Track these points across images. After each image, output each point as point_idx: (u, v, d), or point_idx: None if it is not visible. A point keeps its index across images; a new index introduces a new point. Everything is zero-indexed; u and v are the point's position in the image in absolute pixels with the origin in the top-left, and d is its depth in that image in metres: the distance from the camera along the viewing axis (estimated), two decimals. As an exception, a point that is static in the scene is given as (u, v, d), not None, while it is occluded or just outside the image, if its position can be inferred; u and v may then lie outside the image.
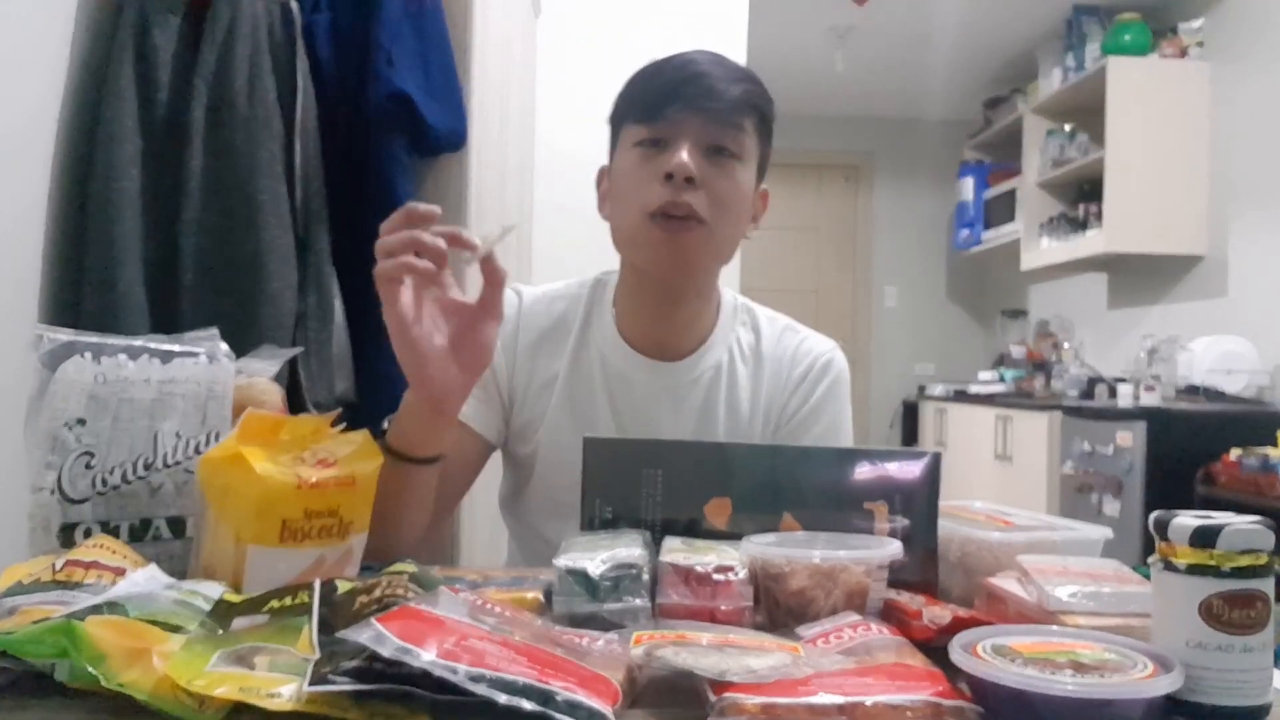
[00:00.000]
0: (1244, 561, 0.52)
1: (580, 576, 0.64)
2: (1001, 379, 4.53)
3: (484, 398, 1.04)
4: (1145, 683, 0.50)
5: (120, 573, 0.63)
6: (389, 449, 0.86)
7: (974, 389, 4.57)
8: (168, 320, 1.16)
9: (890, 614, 0.66)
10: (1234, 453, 2.75)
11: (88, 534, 0.71)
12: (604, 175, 1.07)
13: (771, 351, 1.09)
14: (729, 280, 1.11)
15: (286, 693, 0.48)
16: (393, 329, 0.79)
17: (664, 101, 0.96)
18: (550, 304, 1.10)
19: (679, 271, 1.00)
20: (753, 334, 1.11)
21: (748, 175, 1.00)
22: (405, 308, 0.78)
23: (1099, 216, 3.83)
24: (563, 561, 0.65)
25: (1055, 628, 0.60)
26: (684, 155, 0.94)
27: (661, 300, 1.05)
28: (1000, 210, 4.79)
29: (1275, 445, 2.72)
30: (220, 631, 0.57)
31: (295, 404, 1.17)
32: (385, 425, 1.01)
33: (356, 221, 1.37)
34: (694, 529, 0.77)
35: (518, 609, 0.61)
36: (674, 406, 1.05)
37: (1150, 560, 0.56)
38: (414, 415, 0.87)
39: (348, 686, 0.48)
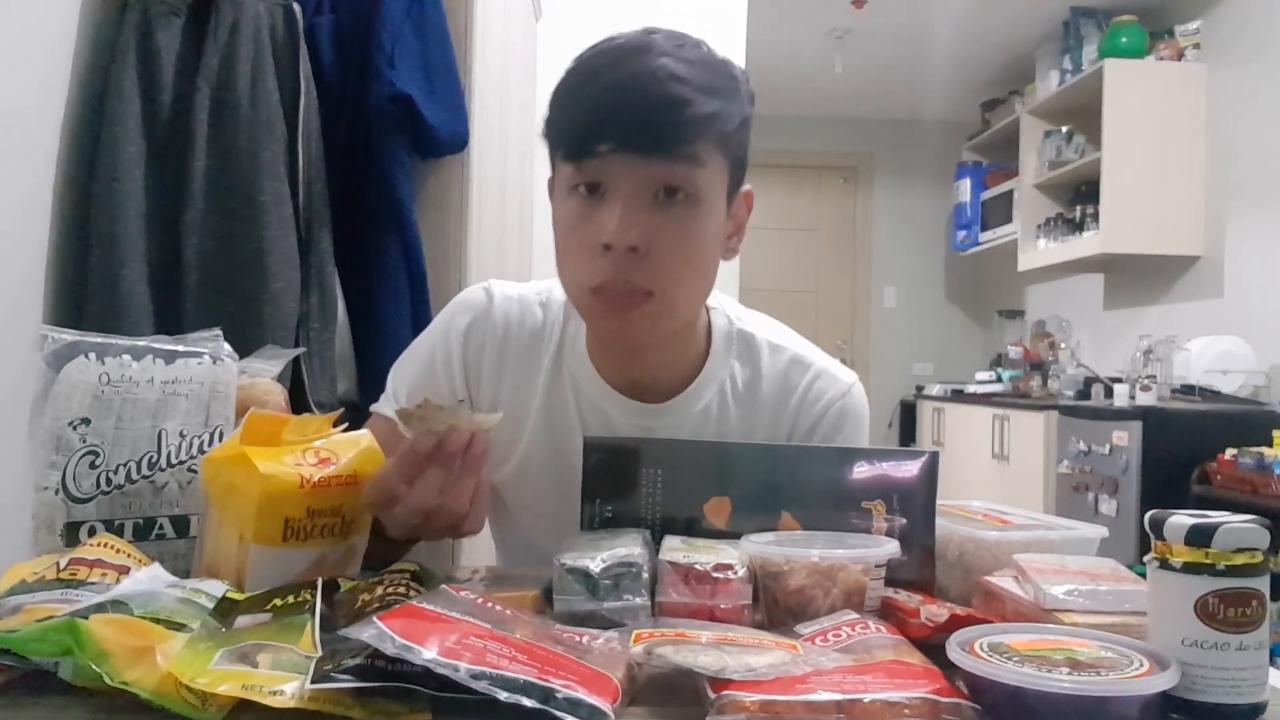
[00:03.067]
0: (1239, 560, 0.52)
1: (580, 575, 0.65)
2: (999, 379, 4.53)
3: None
4: (1141, 680, 0.50)
5: (124, 571, 0.63)
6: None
7: (971, 389, 4.57)
8: (171, 321, 1.16)
9: (888, 612, 0.66)
10: (1229, 452, 2.75)
11: (92, 533, 0.71)
12: (553, 190, 0.90)
13: (772, 393, 0.94)
14: (727, 282, 1.08)
15: (289, 690, 0.49)
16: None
17: (592, 137, 0.77)
18: (525, 310, 0.96)
19: (631, 342, 0.88)
20: (749, 370, 0.94)
21: (710, 211, 0.81)
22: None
23: (1095, 218, 3.83)
24: (563, 560, 0.66)
25: (1052, 626, 0.60)
26: (622, 225, 0.77)
27: (626, 353, 0.91)
28: (997, 211, 4.79)
29: (1271, 445, 2.73)
30: (223, 630, 0.57)
31: (298, 404, 1.17)
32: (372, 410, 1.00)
33: (359, 222, 1.37)
34: (693, 528, 0.77)
35: (518, 607, 0.61)
36: None
37: (1146, 559, 0.56)
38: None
39: (350, 684, 0.48)
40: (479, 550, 1.45)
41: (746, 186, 0.89)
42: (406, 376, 0.99)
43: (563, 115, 0.81)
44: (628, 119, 0.76)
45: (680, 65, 0.77)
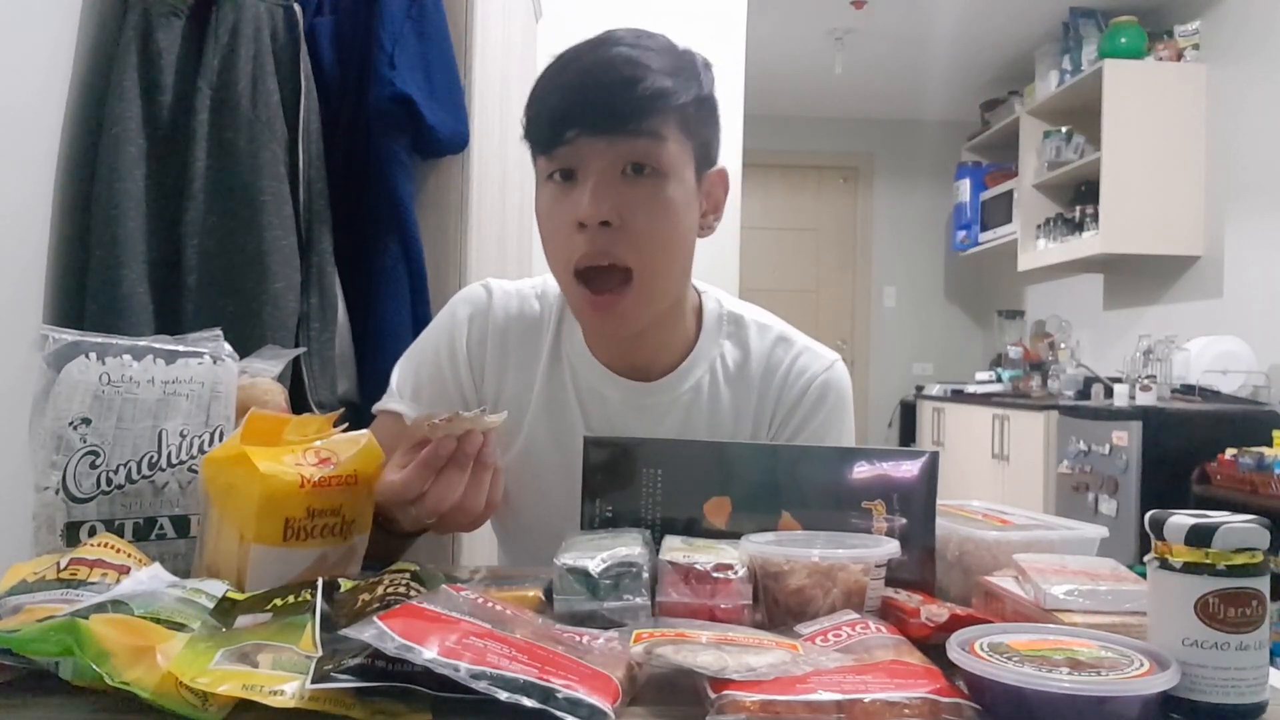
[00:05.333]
0: (1239, 560, 0.52)
1: (581, 575, 0.65)
2: (998, 379, 4.53)
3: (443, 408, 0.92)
4: (1141, 680, 0.50)
5: (124, 571, 0.63)
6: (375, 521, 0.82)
7: (971, 389, 4.57)
8: (171, 321, 1.16)
9: (888, 612, 0.66)
10: (1229, 452, 2.75)
11: (92, 532, 0.71)
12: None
13: (759, 370, 0.98)
14: (728, 281, 1.09)
15: (290, 690, 0.49)
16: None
17: (561, 125, 0.83)
18: (524, 303, 1.01)
19: (619, 334, 0.92)
20: (739, 349, 0.99)
21: (679, 186, 0.87)
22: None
23: (1095, 218, 3.83)
24: (563, 560, 0.66)
25: (1052, 626, 0.60)
26: (594, 200, 0.83)
27: (617, 337, 0.95)
28: (997, 211, 4.79)
29: (1271, 445, 2.72)
30: (223, 629, 0.57)
31: (298, 404, 1.17)
32: (375, 410, 1.01)
33: (359, 222, 1.37)
34: (693, 528, 0.77)
35: (519, 607, 0.61)
36: (650, 427, 0.95)
37: (1146, 559, 0.56)
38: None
39: (350, 684, 0.48)
40: (479, 550, 1.45)
41: (720, 165, 0.93)
42: (411, 372, 1.01)
43: (533, 112, 0.87)
44: (588, 103, 0.83)
45: (636, 51, 0.84)
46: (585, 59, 0.85)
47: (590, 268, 0.86)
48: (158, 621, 0.56)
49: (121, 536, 0.71)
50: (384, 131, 1.34)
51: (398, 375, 1.01)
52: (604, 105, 0.82)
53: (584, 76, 0.84)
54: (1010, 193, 4.64)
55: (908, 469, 0.77)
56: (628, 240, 0.85)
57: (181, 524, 0.75)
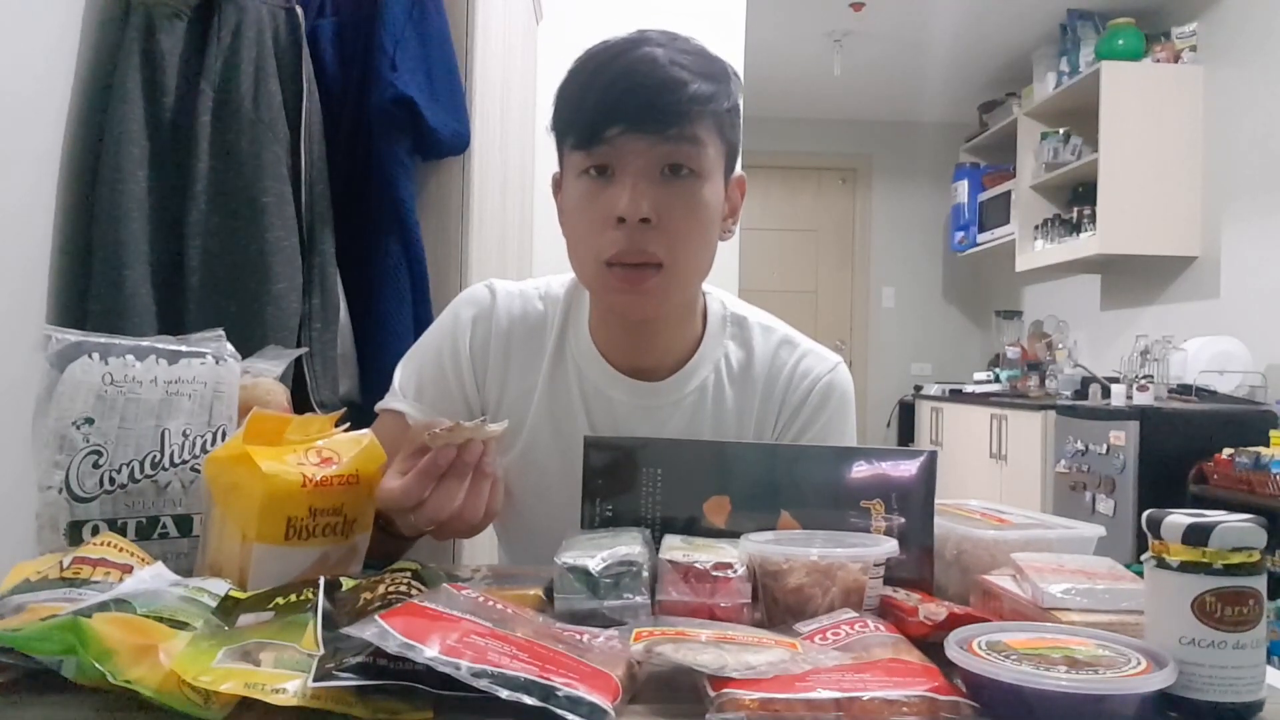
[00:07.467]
0: (1236, 559, 0.52)
1: (581, 574, 0.65)
2: (996, 379, 4.54)
3: (446, 411, 0.94)
4: (1138, 679, 0.50)
5: (127, 570, 0.63)
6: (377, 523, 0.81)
7: (969, 389, 4.58)
8: (174, 321, 1.17)
9: (887, 611, 0.66)
10: (1226, 451, 2.76)
11: (95, 532, 0.71)
12: (558, 186, 0.96)
13: (764, 372, 0.99)
14: (727, 282, 1.09)
15: (292, 688, 0.49)
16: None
17: (602, 122, 0.83)
18: (527, 304, 1.01)
19: (643, 316, 0.92)
20: (743, 350, 1.00)
21: (712, 188, 0.89)
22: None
23: (1092, 219, 3.84)
24: (564, 559, 0.66)
25: (1049, 624, 0.60)
26: (634, 196, 0.83)
27: (631, 331, 0.96)
28: (995, 212, 4.80)
29: (1267, 444, 2.73)
30: (226, 628, 0.58)
31: (300, 404, 1.18)
32: (377, 409, 1.01)
33: (360, 223, 1.38)
34: (693, 527, 0.78)
35: (519, 606, 0.61)
36: (655, 428, 0.96)
37: (1143, 558, 0.57)
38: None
39: (352, 682, 0.48)
40: (480, 549, 1.46)
41: (739, 173, 0.95)
42: (414, 372, 1.01)
43: (571, 106, 0.87)
44: (634, 102, 0.83)
45: (676, 54, 0.85)
46: (626, 57, 0.84)
47: (625, 263, 0.86)
48: (160, 620, 0.56)
49: (124, 536, 0.72)
50: (385, 133, 1.34)
51: (400, 375, 1.01)
52: (649, 106, 0.83)
53: (628, 76, 0.84)
54: (1008, 194, 4.65)
55: (906, 468, 0.77)
56: (663, 237, 0.86)
57: (184, 523, 0.76)
